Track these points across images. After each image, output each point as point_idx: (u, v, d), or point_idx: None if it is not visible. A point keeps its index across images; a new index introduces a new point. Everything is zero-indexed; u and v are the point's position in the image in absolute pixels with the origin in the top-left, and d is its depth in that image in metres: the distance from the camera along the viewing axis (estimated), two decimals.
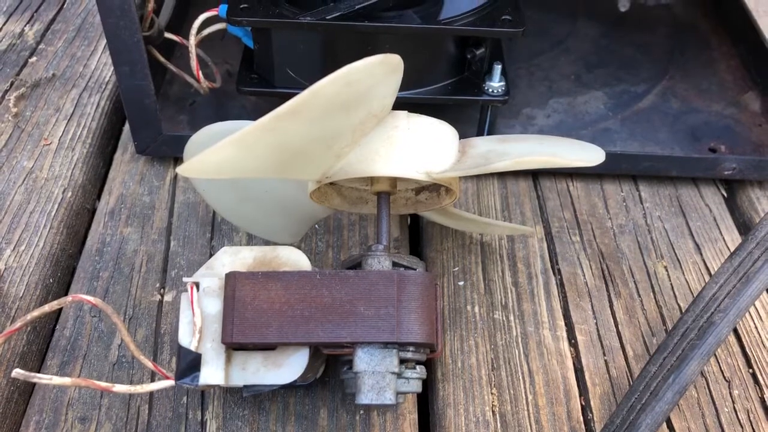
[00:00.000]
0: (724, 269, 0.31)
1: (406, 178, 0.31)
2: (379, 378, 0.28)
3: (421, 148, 0.30)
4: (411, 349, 0.29)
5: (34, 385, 0.35)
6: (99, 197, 0.45)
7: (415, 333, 0.28)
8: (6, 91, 0.50)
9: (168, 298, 0.38)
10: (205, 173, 0.28)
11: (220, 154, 0.26)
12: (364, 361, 0.28)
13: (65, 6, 0.58)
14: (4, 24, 0.56)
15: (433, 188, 0.36)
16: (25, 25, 0.56)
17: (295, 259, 0.31)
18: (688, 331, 0.30)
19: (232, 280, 0.29)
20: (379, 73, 0.26)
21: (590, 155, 0.30)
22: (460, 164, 0.31)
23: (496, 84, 0.41)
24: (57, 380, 0.29)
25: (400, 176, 0.30)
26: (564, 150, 0.31)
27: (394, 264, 0.31)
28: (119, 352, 0.36)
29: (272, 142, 0.26)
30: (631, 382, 0.35)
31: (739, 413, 0.35)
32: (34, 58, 0.53)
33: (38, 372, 0.35)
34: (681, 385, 0.29)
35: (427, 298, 0.29)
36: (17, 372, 0.28)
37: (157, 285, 0.39)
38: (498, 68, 0.41)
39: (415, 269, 0.31)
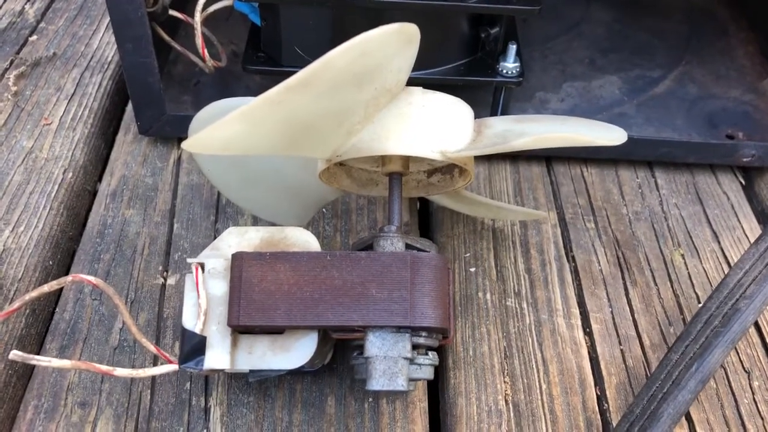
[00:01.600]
0: (749, 255, 0.30)
1: (419, 158, 0.30)
2: (391, 363, 0.27)
3: (437, 126, 0.29)
4: (423, 334, 0.28)
5: (33, 369, 0.34)
6: (100, 179, 0.43)
7: (429, 317, 0.27)
8: (6, 70, 0.49)
9: (171, 281, 0.37)
10: (211, 149, 0.27)
11: (227, 128, 0.25)
12: (375, 345, 0.27)
13: None
14: (4, 2, 0.55)
15: (446, 170, 0.35)
16: (25, 3, 0.55)
17: (304, 240, 0.30)
18: (712, 318, 0.29)
19: (238, 260, 0.28)
20: (394, 43, 0.24)
21: (613, 135, 0.28)
22: (476, 143, 0.29)
23: (510, 65, 0.40)
24: (56, 363, 0.28)
25: (414, 155, 0.29)
26: (585, 129, 0.30)
27: (407, 246, 0.29)
28: (120, 336, 0.35)
29: (280, 116, 0.25)
30: (648, 372, 0.34)
31: (759, 405, 0.33)
32: (34, 37, 0.52)
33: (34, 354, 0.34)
34: (704, 374, 0.27)
35: (441, 281, 0.28)
36: (15, 354, 0.27)
37: (160, 268, 0.38)
38: (513, 48, 0.40)
39: (428, 252, 0.30)
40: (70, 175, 0.42)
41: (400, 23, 0.24)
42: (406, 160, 0.32)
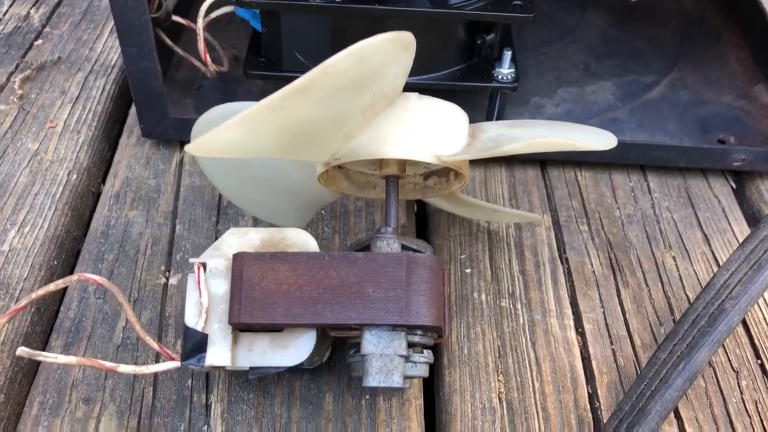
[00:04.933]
0: (736, 257, 0.31)
1: (415, 161, 0.30)
2: (387, 361, 0.28)
3: (432, 131, 0.30)
4: (419, 332, 0.29)
5: (38, 365, 0.35)
6: (104, 180, 0.44)
7: (424, 316, 0.28)
8: (11, 74, 0.50)
9: (173, 281, 0.38)
10: (213, 152, 0.28)
11: (229, 133, 0.25)
12: (372, 343, 0.28)
13: None
14: (9, 6, 0.56)
15: (442, 173, 0.36)
16: (30, 8, 0.56)
17: (303, 241, 0.31)
18: (699, 318, 0.29)
19: (239, 260, 0.29)
20: (391, 50, 0.25)
21: (602, 139, 0.29)
22: (470, 148, 0.30)
23: (505, 71, 0.41)
24: (62, 359, 0.29)
25: (410, 159, 0.30)
26: (576, 134, 0.31)
27: (403, 247, 0.30)
28: (124, 333, 0.36)
29: (280, 121, 0.26)
30: (639, 371, 0.35)
31: (747, 403, 0.34)
32: (39, 41, 0.53)
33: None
34: (691, 372, 0.28)
35: (436, 281, 0.29)
36: (22, 350, 0.28)
37: (162, 268, 0.39)
38: (508, 54, 0.41)
39: (423, 252, 0.31)
40: (75, 176, 0.43)
41: (396, 32, 0.24)
42: (403, 163, 0.33)
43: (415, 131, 0.30)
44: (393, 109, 0.30)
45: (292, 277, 0.29)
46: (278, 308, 0.28)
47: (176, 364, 0.30)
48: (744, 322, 0.38)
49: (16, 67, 0.50)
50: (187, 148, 0.26)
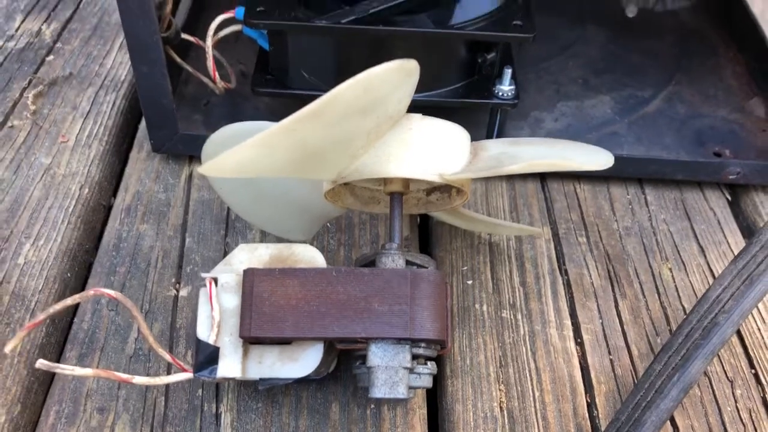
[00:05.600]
0: (729, 271, 0.32)
1: (419, 179, 0.32)
2: (392, 373, 0.29)
3: (435, 150, 0.31)
4: (422, 345, 0.30)
5: (53, 376, 0.36)
6: (115, 194, 0.45)
7: (428, 329, 0.29)
8: (24, 89, 0.51)
9: (183, 293, 0.39)
10: (227, 172, 0.29)
11: (242, 154, 0.27)
12: (377, 356, 0.29)
13: (81, 5, 0.59)
14: (21, 22, 0.57)
15: (445, 189, 0.37)
16: (42, 24, 0.57)
17: (311, 257, 0.32)
18: (693, 331, 0.31)
19: (250, 276, 0.30)
20: (396, 78, 0.26)
21: (600, 159, 0.30)
22: (472, 166, 0.31)
23: (506, 87, 0.42)
24: (79, 371, 0.30)
25: (414, 177, 0.31)
26: (574, 153, 0.32)
27: (408, 262, 0.31)
28: (136, 345, 0.37)
29: (292, 143, 0.27)
30: (636, 381, 0.36)
31: (741, 412, 0.35)
32: (51, 57, 0.54)
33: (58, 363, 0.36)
34: (685, 384, 0.29)
35: (439, 295, 0.30)
36: (41, 363, 0.29)
37: (173, 280, 0.40)
38: (508, 72, 0.42)
39: (426, 267, 0.32)
40: (87, 190, 0.44)
41: (401, 60, 0.26)
42: (407, 180, 0.34)
43: (418, 151, 0.31)
44: (397, 129, 0.31)
45: (301, 292, 0.30)
46: (287, 322, 0.29)
47: (189, 375, 0.31)
48: (738, 333, 0.39)
49: (29, 82, 0.52)
50: (201, 170, 0.27)
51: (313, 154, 0.29)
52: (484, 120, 0.45)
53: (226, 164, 0.27)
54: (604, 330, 0.39)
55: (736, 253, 0.42)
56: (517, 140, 0.34)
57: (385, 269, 0.30)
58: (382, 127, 0.30)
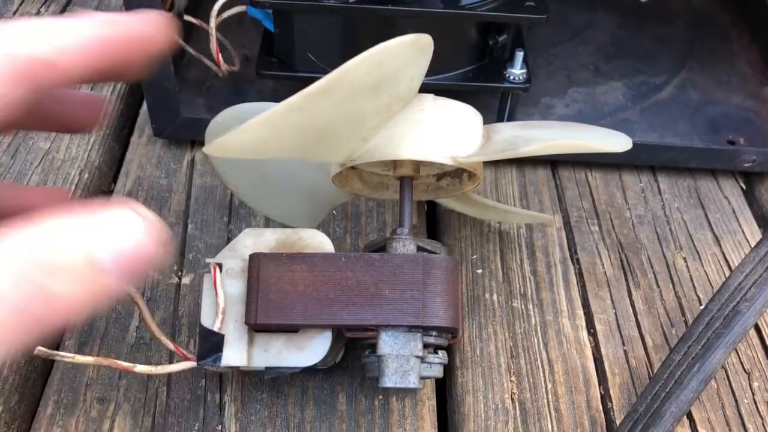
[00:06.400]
0: (750, 258, 0.31)
1: (430, 162, 0.31)
2: (403, 361, 0.28)
3: (447, 132, 0.30)
4: (434, 333, 0.29)
5: (52, 365, 0.35)
6: (115, 180, 0.44)
7: (441, 317, 0.28)
8: None
9: (185, 280, 0.38)
10: (232, 152, 0.28)
11: (248, 133, 0.25)
12: (388, 344, 0.28)
13: None
14: (20, 5, 0.56)
15: (455, 174, 0.36)
16: (41, 6, 0.56)
17: (318, 242, 0.31)
18: (713, 320, 0.30)
19: (255, 261, 0.29)
20: (409, 53, 0.25)
21: (618, 141, 0.29)
22: (485, 149, 0.30)
23: (517, 71, 0.41)
24: (79, 359, 0.29)
25: (426, 160, 0.30)
26: (591, 136, 0.31)
27: (419, 248, 0.30)
28: (137, 333, 0.36)
29: (300, 122, 0.26)
30: (651, 372, 0.35)
31: (759, 405, 0.34)
32: None
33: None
34: (706, 374, 0.28)
35: (452, 282, 0.29)
36: (40, 350, 0.28)
37: (175, 268, 0.39)
38: (520, 55, 0.41)
39: (438, 254, 0.31)
40: (86, 176, 0.43)
41: (415, 34, 0.24)
42: (417, 164, 0.33)
43: (430, 133, 0.30)
44: (409, 110, 0.30)
45: (309, 278, 0.29)
46: (295, 309, 0.28)
47: (192, 364, 0.30)
48: (755, 324, 0.38)
49: None
50: (206, 149, 0.26)
51: (322, 135, 0.28)
52: (494, 105, 0.44)
53: (231, 144, 0.26)
54: (617, 320, 0.38)
55: (750, 243, 0.41)
56: (530, 123, 0.33)
57: (396, 254, 0.29)
58: (394, 108, 0.29)
